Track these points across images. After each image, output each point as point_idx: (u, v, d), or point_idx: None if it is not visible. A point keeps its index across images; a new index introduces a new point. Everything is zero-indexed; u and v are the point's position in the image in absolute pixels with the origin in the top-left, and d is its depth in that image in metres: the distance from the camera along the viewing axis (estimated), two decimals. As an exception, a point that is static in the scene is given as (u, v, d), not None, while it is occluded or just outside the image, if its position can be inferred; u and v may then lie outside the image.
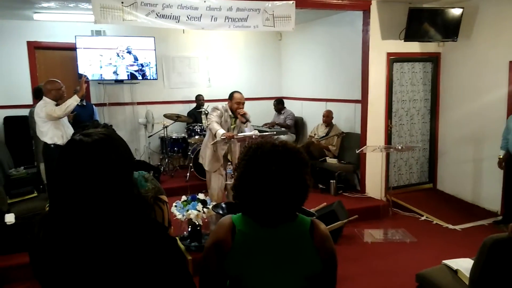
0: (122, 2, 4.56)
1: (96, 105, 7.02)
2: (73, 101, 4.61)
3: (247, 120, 4.63)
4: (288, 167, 1.45)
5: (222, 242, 1.48)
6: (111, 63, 6.90)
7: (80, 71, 6.55)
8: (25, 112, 6.47)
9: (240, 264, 1.48)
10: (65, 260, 1.23)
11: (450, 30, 5.64)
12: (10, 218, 4.23)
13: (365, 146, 5.32)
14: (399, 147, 5.03)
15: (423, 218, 5.47)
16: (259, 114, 7.87)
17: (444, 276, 2.92)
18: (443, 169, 6.41)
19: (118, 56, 6.93)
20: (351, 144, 6.26)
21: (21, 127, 6.32)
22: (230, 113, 4.70)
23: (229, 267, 1.49)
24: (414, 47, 5.98)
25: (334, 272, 1.55)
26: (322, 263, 1.50)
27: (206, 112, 6.41)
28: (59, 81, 4.76)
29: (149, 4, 4.66)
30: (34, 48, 6.86)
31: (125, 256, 1.24)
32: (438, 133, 6.44)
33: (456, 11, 5.56)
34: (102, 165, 1.25)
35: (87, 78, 6.28)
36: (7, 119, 6.55)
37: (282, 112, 7.79)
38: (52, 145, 4.60)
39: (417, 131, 6.43)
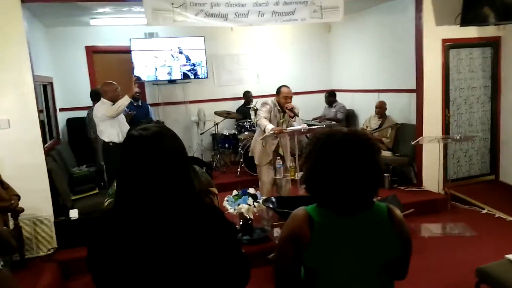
0: (172, 4, 4.69)
1: (151, 105, 7.27)
2: (125, 101, 4.83)
3: (295, 114, 4.60)
4: (361, 153, 1.44)
5: (299, 235, 1.47)
6: (165, 64, 7.12)
7: (136, 72, 6.82)
8: (86, 113, 6.83)
9: (322, 256, 1.47)
10: (127, 251, 1.29)
11: (510, 11, 5.29)
12: (74, 213, 4.50)
13: (421, 137, 5.12)
14: (457, 137, 4.80)
15: (484, 211, 5.19)
16: (309, 108, 7.80)
17: (506, 271, 2.76)
18: (506, 160, 6.04)
19: (173, 57, 7.14)
20: (406, 135, 6.05)
21: (83, 128, 6.67)
22: (279, 108, 4.70)
23: (309, 260, 1.48)
24: (471, 32, 5.67)
25: (410, 255, 1.57)
26: (402, 247, 1.51)
27: (255, 108, 6.47)
28: (115, 82, 5.00)
29: (198, 4, 4.76)
30: (92, 52, 7.22)
31: (186, 247, 1.30)
32: (500, 122, 6.07)
33: (517, -9, 5.21)
34: (164, 155, 1.33)
35: (139, 79, 6.53)
36: (69, 120, 6.95)
37: (334, 105, 7.68)
38: (110, 143, 4.85)
39: (476, 120, 6.11)
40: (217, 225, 1.37)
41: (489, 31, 5.76)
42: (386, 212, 1.53)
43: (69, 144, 6.82)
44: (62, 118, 6.92)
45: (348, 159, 1.42)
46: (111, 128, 4.82)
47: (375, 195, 1.51)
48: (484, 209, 5.23)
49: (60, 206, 4.72)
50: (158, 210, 1.30)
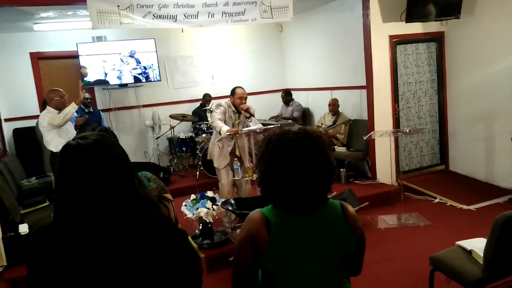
0: (118, 6, 4.57)
1: (103, 110, 7.06)
2: (71, 108, 4.65)
3: (251, 115, 4.60)
4: (313, 151, 1.45)
5: (257, 238, 1.46)
6: (114, 68, 6.92)
7: (85, 78, 6.60)
8: (33, 123, 6.54)
9: (280, 258, 1.46)
10: (71, 267, 1.22)
11: (452, 7, 5.53)
12: (24, 228, 4.28)
13: (372, 132, 5.26)
14: (407, 130, 4.95)
15: (436, 200, 5.40)
16: (266, 107, 7.85)
17: (458, 257, 2.87)
18: (454, 150, 6.32)
19: (122, 61, 6.95)
20: (359, 131, 6.20)
21: (30, 138, 6.39)
22: (234, 109, 4.68)
23: (268, 262, 1.47)
24: (416, 28, 5.88)
25: (363, 251, 1.60)
26: (357, 243, 1.54)
27: (211, 109, 6.41)
28: (60, 89, 4.80)
29: (145, 5, 4.66)
30: (37, 58, 6.91)
31: (134, 259, 1.24)
32: (447, 113, 6.33)
33: (456, -12, 5.44)
34: (101, 165, 1.27)
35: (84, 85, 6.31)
36: (16, 131, 6.62)
37: (290, 104, 7.75)
38: (58, 153, 4.64)
39: (425, 113, 6.34)
40: (165, 234, 1.31)
41: (433, 26, 5.99)
42: (339, 208, 1.55)
43: (17, 155, 6.51)
44: (7, 129, 6.59)
45: (301, 158, 1.43)
46: (59, 137, 4.62)
47: (329, 191, 1.52)
48: (436, 198, 5.43)
49: (9, 221, 4.49)
50: (98, 224, 1.24)
